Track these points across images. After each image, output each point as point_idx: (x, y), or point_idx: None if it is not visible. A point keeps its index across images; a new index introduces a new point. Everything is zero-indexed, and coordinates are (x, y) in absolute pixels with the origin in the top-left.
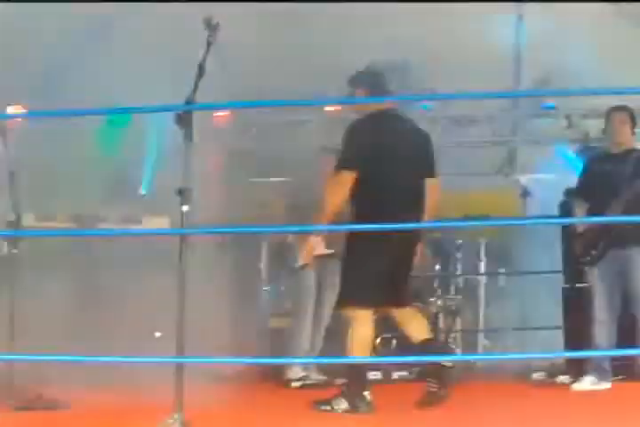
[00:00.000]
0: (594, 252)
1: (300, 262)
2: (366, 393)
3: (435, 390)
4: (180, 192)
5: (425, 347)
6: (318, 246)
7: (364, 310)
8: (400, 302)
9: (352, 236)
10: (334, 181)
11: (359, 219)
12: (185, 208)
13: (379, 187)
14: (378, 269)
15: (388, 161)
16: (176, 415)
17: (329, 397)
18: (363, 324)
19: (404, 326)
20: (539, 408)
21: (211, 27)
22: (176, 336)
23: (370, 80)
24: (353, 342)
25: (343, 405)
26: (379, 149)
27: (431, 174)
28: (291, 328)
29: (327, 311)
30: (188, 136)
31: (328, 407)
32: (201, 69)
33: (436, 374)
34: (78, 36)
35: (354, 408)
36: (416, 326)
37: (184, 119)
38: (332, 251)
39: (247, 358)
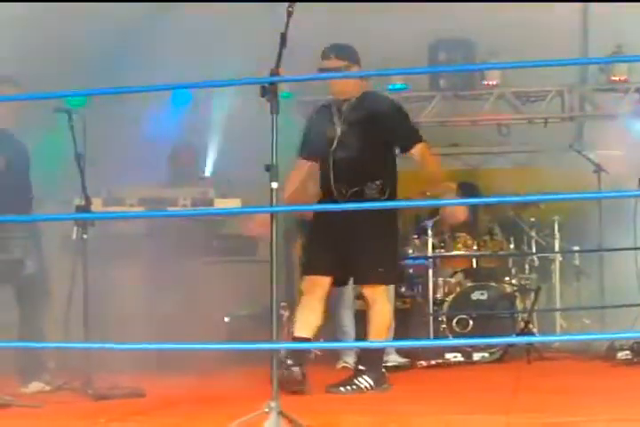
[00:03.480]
0: None
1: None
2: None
3: None
4: (268, 168)
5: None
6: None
7: (307, 279)
8: (360, 279)
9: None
10: (430, 150)
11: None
12: (274, 185)
13: None
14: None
15: None
16: (272, 403)
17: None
18: (305, 294)
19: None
20: (628, 388)
21: None
22: (271, 321)
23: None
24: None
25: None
26: None
27: None
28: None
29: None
30: (275, 109)
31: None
32: (283, 40)
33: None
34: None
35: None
36: (375, 316)
37: (270, 91)
38: None
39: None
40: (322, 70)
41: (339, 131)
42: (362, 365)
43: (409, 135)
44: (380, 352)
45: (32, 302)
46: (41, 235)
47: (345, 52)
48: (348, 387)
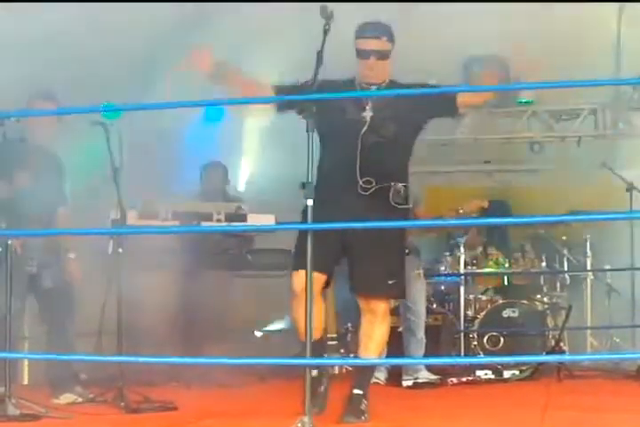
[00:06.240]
0: None
1: None
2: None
3: None
4: (304, 186)
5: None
6: None
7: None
8: (369, 289)
9: None
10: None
11: None
12: (310, 202)
13: None
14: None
15: None
16: (305, 418)
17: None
18: (297, 293)
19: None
20: None
21: (326, 15)
22: (305, 336)
23: None
24: None
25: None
26: None
27: None
28: None
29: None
30: (311, 126)
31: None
32: (319, 58)
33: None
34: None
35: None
36: (378, 331)
37: (306, 109)
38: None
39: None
40: (366, 51)
41: (368, 116)
42: (359, 389)
43: (448, 98)
44: (372, 372)
45: (55, 315)
46: (60, 249)
47: (392, 34)
48: (363, 416)
